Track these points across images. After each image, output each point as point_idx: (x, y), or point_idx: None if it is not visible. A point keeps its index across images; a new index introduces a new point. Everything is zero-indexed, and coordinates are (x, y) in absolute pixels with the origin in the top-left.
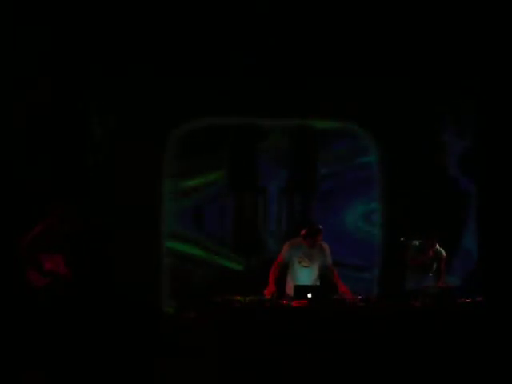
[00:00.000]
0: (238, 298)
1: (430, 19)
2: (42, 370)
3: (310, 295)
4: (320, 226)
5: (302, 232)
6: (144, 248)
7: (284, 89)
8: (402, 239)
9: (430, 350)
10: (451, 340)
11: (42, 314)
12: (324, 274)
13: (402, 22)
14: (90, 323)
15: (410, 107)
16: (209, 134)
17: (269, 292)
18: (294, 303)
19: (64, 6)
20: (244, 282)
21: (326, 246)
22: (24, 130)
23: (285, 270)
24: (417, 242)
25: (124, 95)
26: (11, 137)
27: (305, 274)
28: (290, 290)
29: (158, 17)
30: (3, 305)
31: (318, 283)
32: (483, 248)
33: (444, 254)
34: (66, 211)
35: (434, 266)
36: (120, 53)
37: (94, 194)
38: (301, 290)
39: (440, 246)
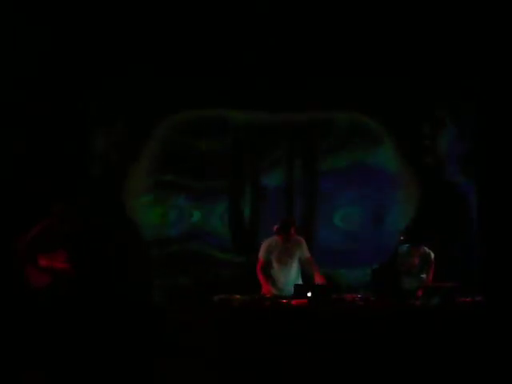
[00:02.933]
0: (238, 297)
1: (429, 19)
2: (42, 370)
3: (309, 294)
4: (293, 218)
5: (275, 227)
6: (144, 248)
7: (284, 87)
8: (401, 238)
9: (430, 349)
10: (451, 339)
11: (42, 314)
12: (304, 269)
13: (402, 22)
14: (90, 323)
15: (409, 107)
16: (208, 136)
17: (267, 291)
18: (294, 302)
19: (64, 6)
20: (244, 282)
21: (301, 239)
22: (24, 130)
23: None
24: (404, 247)
25: (124, 95)
26: (11, 137)
27: (285, 272)
28: (272, 288)
29: (157, 17)
30: (3, 305)
31: (300, 281)
32: (483, 248)
33: (432, 256)
34: (66, 211)
35: (424, 268)
36: (120, 53)
37: (94, 194)
38: (300, 289)
39: (429, 248)
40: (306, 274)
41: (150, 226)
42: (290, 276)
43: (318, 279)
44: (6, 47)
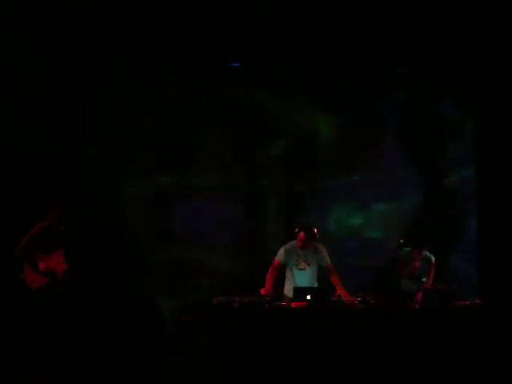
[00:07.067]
0: (237, 298)
1: (430, 19)
2: (41, 371)
3: (309, 297)
4: (312, 227)
5: (296, 230)
6: (144, 247)
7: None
8: (401, 241)
9: (429, 352)
10: (450, 342)
11: (39, 315)
12: (324, 275)
13: (402, 22)
14: (89, 323)
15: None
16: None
17: (265, 291)
18: (293, 305)
19: (64, 6)
20: (244, 283)
21: (321, 246)
22: (24, 130)
23: (282, 271)
24: (405, 251)
25: (124, 95)
26: (11, 137)
27: (302, 277)
28: (287, 291)
29: (157, 17)
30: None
31: (316, 285)
32: (482, 251)
33: (433, 260)
34: (64, 211)
35: (425, 272)
36: (120, 53)
37: (94, 194)
38: (300, 292)
39: (429, 251)
40: (324, 281)
41: (151, 226)
42: (305, 281)
43: (341, 291)
44: (5, 47)
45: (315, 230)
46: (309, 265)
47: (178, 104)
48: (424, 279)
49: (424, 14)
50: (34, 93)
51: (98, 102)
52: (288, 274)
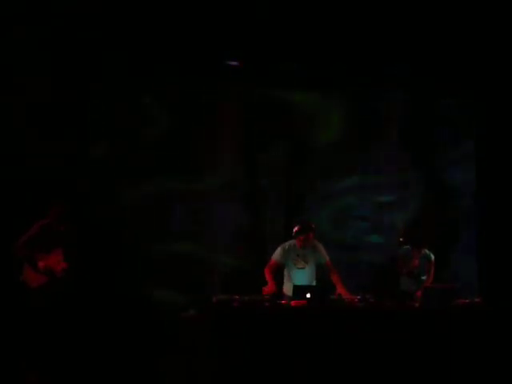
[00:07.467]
0: (237, 297)
1: (430, 19)
2: (41, 371)
3: (308, 295)
4: (312, 224)
5: (294, 230)
6: (144, 247)
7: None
8: (400, 239)
9: (429, 350)
10: (450, 341)
11: (39, 315)
12: (324, 273)
13: (402, 22)
14: (89, 323)
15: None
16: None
17: (268, 290)
18: (293, 303)
19: (64, 6)
20: (243, 283)
21: (319, 244)
22: (24, 129)
23: (280, 269)
24: (405, 249)
25: (124, 95)
26: (11, 136)
27: (301, 276)
28: (287, 290)
29: (157, 17)
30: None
31: (315, 283)
32: (482, 249)
33: (433, 258)
34: (64, 211)
35: (424, 270)
36: (120, 53)
37: (94, 194)
38: (300, 290)
39: (429, 250)
40: (324, 279)
41: (150, 226)
42: (304, 280)
43: (341, 290)
44: (5, 47)
45: (313, 225)
46: (307, 263)
47: (178, 104)
48: (423, 277)
49: (424, 13)
50: (34, 93)
51: (97, 101)
52: (287, 273)
